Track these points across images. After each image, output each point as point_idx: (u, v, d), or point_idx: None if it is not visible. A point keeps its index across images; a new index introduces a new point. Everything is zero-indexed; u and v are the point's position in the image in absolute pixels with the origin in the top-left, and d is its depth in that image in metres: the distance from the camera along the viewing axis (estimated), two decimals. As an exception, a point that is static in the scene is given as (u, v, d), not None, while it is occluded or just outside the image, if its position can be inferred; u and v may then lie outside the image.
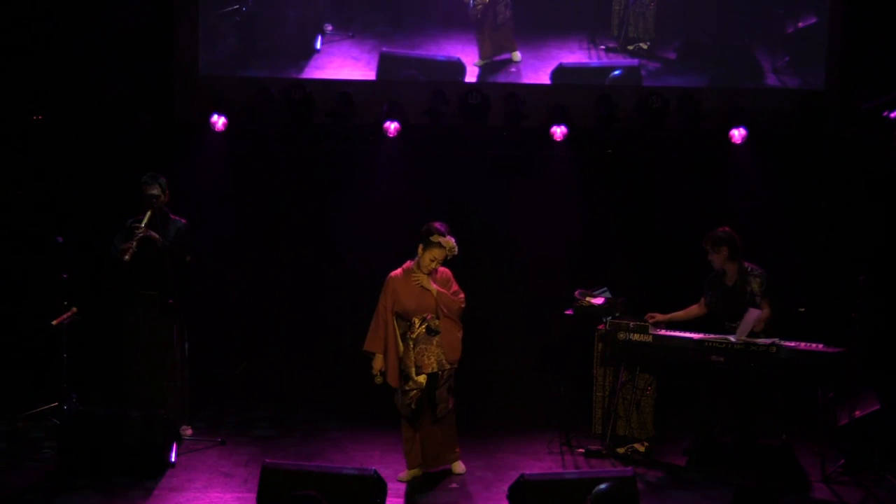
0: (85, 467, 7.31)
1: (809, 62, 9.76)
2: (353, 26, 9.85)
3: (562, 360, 8.53)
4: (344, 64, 9.81)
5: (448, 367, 7.31)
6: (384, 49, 9.80)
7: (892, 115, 8.97)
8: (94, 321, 8.72)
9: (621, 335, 7.83)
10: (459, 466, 7.60)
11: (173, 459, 7.53)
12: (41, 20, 9.48)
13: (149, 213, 7.74)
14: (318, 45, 9.84)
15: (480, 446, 8.11)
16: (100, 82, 9.45)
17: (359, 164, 9.83)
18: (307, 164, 9.96)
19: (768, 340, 7.46)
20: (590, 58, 9.82)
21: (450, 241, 7.21)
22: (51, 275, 8.49)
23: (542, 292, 9.55)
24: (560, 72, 9.78)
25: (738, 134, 9.35)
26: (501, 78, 9.80)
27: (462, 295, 7.36)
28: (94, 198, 9.46)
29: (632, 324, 7.86)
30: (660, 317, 8.01)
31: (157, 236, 7.72)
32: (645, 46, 9.80)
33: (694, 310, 8.10)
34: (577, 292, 8.28)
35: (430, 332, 7.26)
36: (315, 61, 9.83)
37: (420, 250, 7.25)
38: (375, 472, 6.42)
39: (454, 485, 7.41)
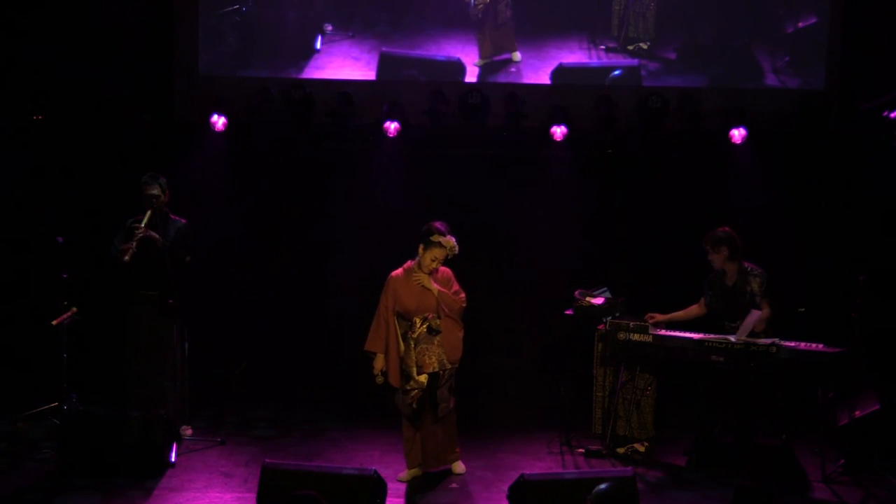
0: (85, 467, 7.31)
1: (809, 62, 9.76)
2: (353, 26, 9.85)
3: (562, 360, 8.53)
4: (344, 64, 9.81)
5: (449, 366, 7.31)
6: (384, 49, 9.80)
7: (892, 115, 8.96)
8: (94, 321, 8.71)
9: (621, 335, 7.83)
10: (459, 466, 7.60)
11: (173, 459, 7.52)
12: (41, 20, 9.47)
13: (149, 213, 7.74)
14: (318, 45, 9.84)
15: (480, 446, 8.11)
16: (100, 82, 9.44)
17: (359, 164, 9.83)
18: (307, 164, 9.96)
19: (768, 340, 7.47)
20: (590, 58, 9.82)
21: (450, 240, 7.21)
22: (51, 275, 8.49)
23: (542, 292, 9.55)
24: (560, 72, 9.78)
25: (738, 134, 9.35)
26: (501, 78, 9.80)
27: (463, 294, 7.36)
28: (94, 198, 9.46)
29: (632, 324, 7.86)
30: (660, 317, 8.01)
31: (156, 236, 7.72)
32: (645, 46, 9.80)
33: (694, 310, 8.10)
34: (577, 292, 8.28)
35: (432, 331, 7.27)
36: (315, 61, 9.83)
37: (421, 250, 7.25)
38: (375, 472, 6.42)
39: (454, 485, 7.41)
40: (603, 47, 9.82)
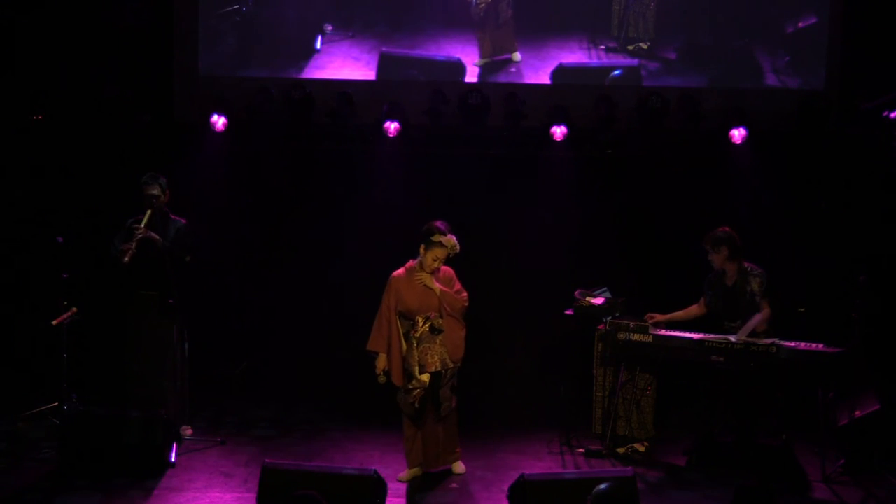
0: (85, 467, 7.31)
1: (809, 62, 9.76)
2: (353, 26, 9.85)
3: (562, 360, 8.53)
4: (344, 64, 9.82)
5: (451, 365, 7.32)
6: (384, 49, 9.80)
7: (892, 115, 8.96)
8: (94, 321, 8.71)
9: (621, 335, 7.83)
10: (459, 466, 7.60)
11: (173, 459, 7.52)
12: (41, 20, 9.47)
13: (148, 213, 7.74)
14: (318, 45, 9.84)
15: (480, 446, 8.11)
16: (100, 82, 9.44)
17: (359, 164, 9.83)
18: (307, 164, 9.96)
19: (768, 340, 7.47)
20: (590, 58, 9.82)
21: (451, 239, 7.22)
22: (51, 275, 8.49)
23: (542, 292, 9.54)
24: (560, 72, 9.78)
25: (738, 134, 9.35)
26: (501, 78, 9.80)
27: (465, 294, 7.37)
28: (94, 198, 9.45)
29: (632, 324, 7.86)
30: (659, 317, 8.01)
31: (156, 237, 7.72)
32: (645, 46, 9.80)
33: (694, 310, 8.10)
34: (577, 292, 8.28)
35: (434, 330, 7.27)
36: (315, 61, 9.83)
37: (422, 250, 7.26)
38: (375, 472, 6.42)
39: (454, 485, 7.41)
40: (603, 47, 9.82)
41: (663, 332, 7.85)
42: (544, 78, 9.80)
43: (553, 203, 9.79)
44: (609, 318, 8.04)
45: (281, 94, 9.41)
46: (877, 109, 9.13)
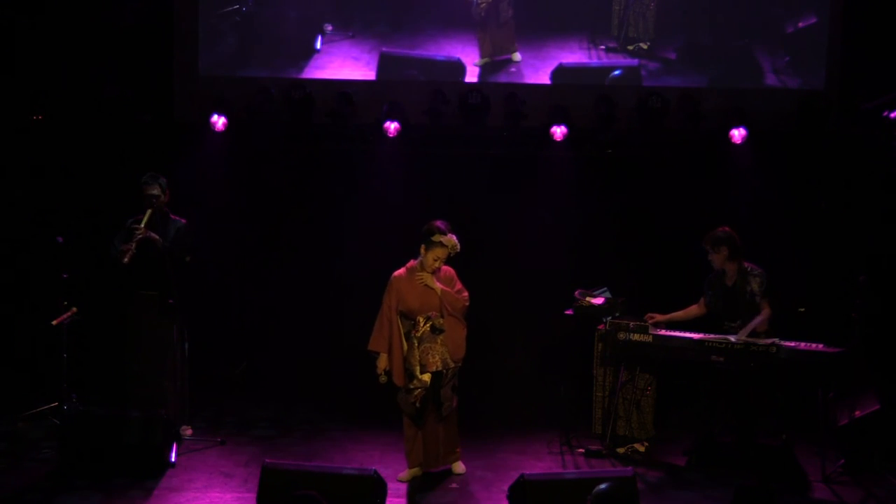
0: (85, 467, 7.31)
1: (809, 62, 9.75)
2: (353, 26, 9.85)
3: (562, 360, 8.53)
4: (344, 64, 9.82)
5: (452, 365, 7.32)
6: (384, 49, 9.80)
7: (892, 115, 8.96)
8: (94, 321, 8.71)
9: (621, 335, 7.83)
10: (460, 467, 7.60)
11: (173, 459, 7.52)
12: (41, 20, 9.47)
13: (148, 213, 7.74)
14: (318, 45, 9.84)
15: (480, 446, 8.11)
16: (100, 82, 9.44)
17: (359, 164, 9.83)
18: (307, 164, 9.96)
19: (768, 340, 7.47)
20: (590, 58, 9.82)
21: (452, 238, 7.22)
22: (51, 275, 8.49)
23: (542, 292, 9.55)
24: (560, 72, 9.78)
25: (738, 134, 9.35)
26: (501, 78, 9.80)
27: (466, 293, 7.37)
28: (94, 198, 9.45)
29: (632, 324, 7.86)
30: (659, 317, 8.01)
31: (156, 237, 7.72)
32: (645, 46, 9.80)
33: (693, 310, 8.10)
34: (577, 292, 8.28)
35: (435, 330, 7.27)
36: (315, 61, 9.83)
37: (423, 251, 7.26)
38: (375, 472, 6.42)
39: (454, 485, 7.41)
40: (603, 47, 9.82)
41: (663, 332, 7.85)
42: (544, 78, 9.80)
43: (553, 203, 9.79)
44: (609, 318, 8.04)
45: (281, 94, 9.42)
46: (877, 109, 9.13)
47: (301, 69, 9.81)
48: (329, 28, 9.85)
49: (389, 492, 6.60)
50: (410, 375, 7.26)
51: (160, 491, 7.12)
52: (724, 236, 7.79)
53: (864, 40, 9.54)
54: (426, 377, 7.25)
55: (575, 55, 9.80)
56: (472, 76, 9.81)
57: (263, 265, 10.06)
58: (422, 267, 7.28)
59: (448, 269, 7.39)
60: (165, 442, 7.45)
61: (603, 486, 5.21)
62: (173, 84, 9.74)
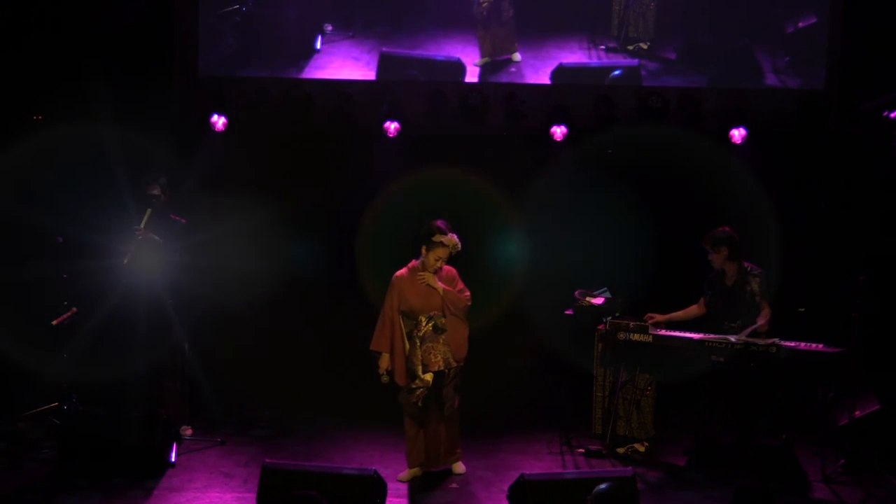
0: (85, 467, 7.32)
1: (809, 62, 9.75)
2: (353, 26, 9.85)
3: (562, 360, 8.52)
4: (344, 64, 9.81)
5: (455, 364, 7.33)
6: (384, 49, 9.80)
7: (892, 115, 8.95)
8: (94, 321, 8.69)
9: (621, 335, 7.83)
10: (460, 467, 7.61)
11: (173, 459, 7.53)
12: (41, 20, 9.47)
13: (148, 213, 7.74)
14: (318, 45, 9.84)
15: (480, 446, 8.11)
16: (100, 82, 9.43)
17: (359, 164, 9.82)
18: (307, 164, 9.95)
19: (768, 340, 7.47)
20: (590, 58, 9.82)
21: (452, 238, 7.23)
22: (51, 275, 8.48)
23: (542, 292, 9.54)
24: (560, 72, 9.77)
25: (738, 134, 9.34)
26: (501, 78, 9.80)
27: (468, 293, 7.38)
28: (94, 198, 9.44)
29: (632, 324, 7.86)
30: (659, 317, 8.01)
31: (156, 237, 7.72)
32: (645, 46, 9.80)
33: (693, 310, 8.10)
34: (577, 292, 8.28)
35: (437, 330, 7.28)
36: (315, 61, 9.83)
37: (424, 251, 7.26)
38: (375, 472, 6.43)
39: (454, 485, 7.41)
40: (603, 47, 9.81)
41: (663, 332, 7.85)
42: (544, 78, 9.80)
43: (553, 203, 9.78)
44: (609, 318, 8.04)
45: (281, 95, 9.41)
46: (877, 109, 9.12)
47: (301, 69, 9.81)
48: (329, 28, 9.85)
49: (389, 492, 6.60)
50: (412, 375, 7.27)
51: (160, 491, 7.13)
52: (724, 236, 7.79)
53: (864, 40, 9.53)
54: (428, 377, 7.25)
55: (575, 55, 9.80)
56: (472, 76, 9.80)
57: (263, 265, 10.04)
58: (423, 267, 7.29)
59: (450, 269, 7.39)
60: (165, 442, 7.46)
61: (603, 486, 5.22)
62: (173, 84, 9.73)
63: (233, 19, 9.80)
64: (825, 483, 7.45)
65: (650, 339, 7.78)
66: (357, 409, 8.91)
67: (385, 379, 7.34)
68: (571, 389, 8.36)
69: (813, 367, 7.46)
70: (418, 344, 7.26)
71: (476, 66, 9.81)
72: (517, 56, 9.81)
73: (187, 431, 8.10)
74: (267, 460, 6.54)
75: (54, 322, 8.11)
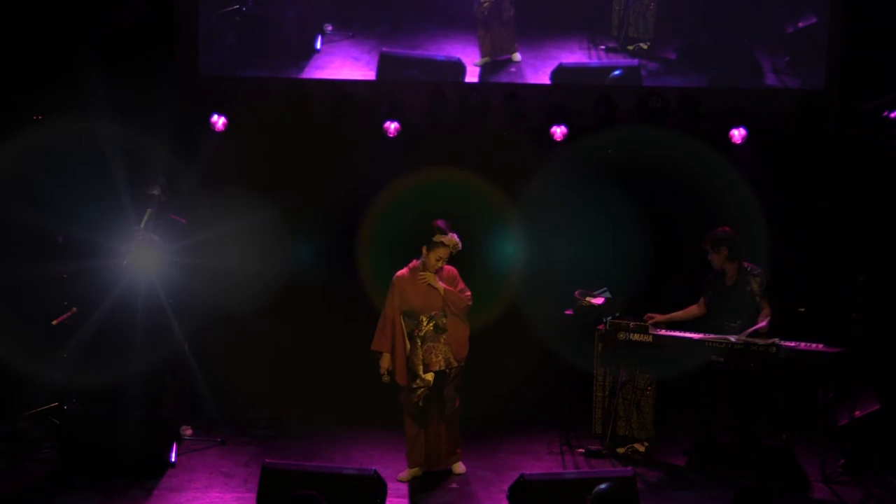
0: (85, 467, 7.32)
1: (809, 62, 9.75)
2: (353, 26, 9.85)
3: (562, 360, 8.52)
4: (344, 64, 9.82)
5: (456, 364, 7.34)
6: (384, 49, 9.80)
7: (892, 115, 8.95)
8: (94, 321, 8.70)
9: (621, 335, 7.83)
10: (460, 467, 7.61)
11: (173, 459, 7.53)
12: (41, 20, 9.47)
13: (148, 213, 7.74)
14: (318, 45, 9.84)
15: (480, 446, 8.11)
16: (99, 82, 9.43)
17: (359, 164, 9.82)
18: (307, 164, 9.94)
19: (768, 340, 7.47)
20: (590, 58, 9.82)
21: (453, 237, 7.23)
22: (50, 275, 8.47)
23: (542, 292, 9.54)
24: (560, 72, 9.77)
25: (738, 134, 9.34)
26: (501, 78, 9.80)
27: (468, 293, 7.38)
28: (94, 198, 9.44)
29: (632, 324, 7.86)
30: (659, 317, 8.01)
31: (155, 237, 7.72)
32: (645, 46, 9.80)
33: (693, 310, 8.10)
34: (577, 292, 8.28)
35: (438, 330, 7.29)
36: (315, 61, 9.83)
37: (424, 252, 7.26)
38: (375, 472, 6.43)
39: (454, 485, 7.41)
40: (603, 47, 9.81)
41: (663, 332, 7.85)
42: (544, 78, 9.80)
43: (553, 203, 9.77)
44: (609, 318, 8.04)
45: (281, 94, 9.41)
46: (877, 109, 9.12)
47: (301, 69, 9.81)
48: (329, 28, 9.85)
49: (389, 492, 6.61)
50: (413, 375, 7.27)
51: (160, 491, 7.13)
52: (724, 236, 7.79)
53: (864, 40, 9.53)
54: (429, 376, 7.26)
55: (575, 55, 9.80)
56: (472, 76, 9.80)
57: (263, 265, 10.03)
58: (424, 267, 7.29)
59: (451, 269, 7.40)
60: (165, 442, 7.46)
61: (603, 486, 5.22)
62: (173, 84, 9.73)
63: (233, 19, 9.80)
64: (825, 483, 7.45)
65: (650, 339, 7.78)
66: (357, 409, 8.91)
67: (386, 379, 7.35)
68: (571, 389, 8.36)
69: (813, 367, 7.46)
70: (419, 344, 7.27)
71: (476, 66, 9.81)
72: (517, 56, 9.81)
73: (187, 431, 8.09)
74: (267, 460, 6.55)
75: (54, 322, 8.11)
